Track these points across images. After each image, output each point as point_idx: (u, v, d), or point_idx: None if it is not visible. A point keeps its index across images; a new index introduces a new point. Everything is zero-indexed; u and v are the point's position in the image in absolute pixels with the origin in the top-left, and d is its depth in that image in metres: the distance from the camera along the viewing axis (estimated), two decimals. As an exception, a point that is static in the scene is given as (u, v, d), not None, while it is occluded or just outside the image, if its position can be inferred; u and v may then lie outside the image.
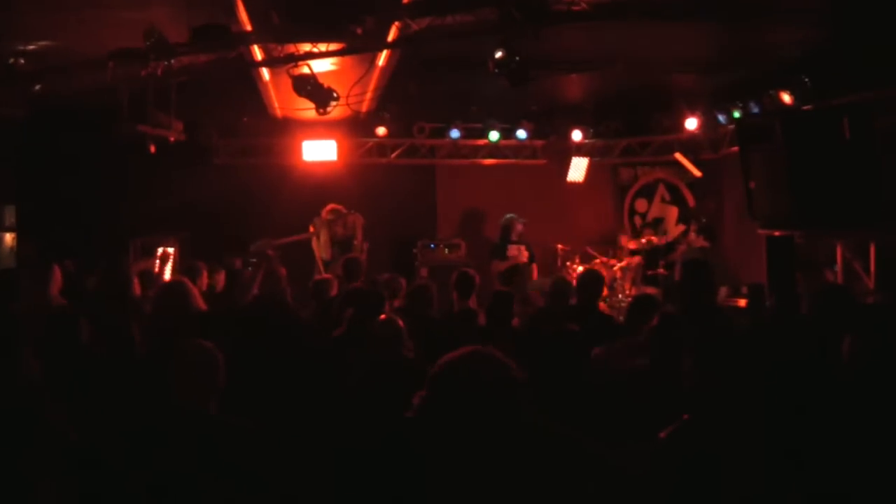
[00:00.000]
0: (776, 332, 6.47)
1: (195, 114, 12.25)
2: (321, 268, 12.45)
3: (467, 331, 7.28)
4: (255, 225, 13.26)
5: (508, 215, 13.66)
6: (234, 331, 6.47)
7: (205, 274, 10.01)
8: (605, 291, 13.59)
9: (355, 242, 12.80)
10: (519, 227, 13.58)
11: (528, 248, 13.55)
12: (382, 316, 6.26)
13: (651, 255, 14.11)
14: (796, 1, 8.37)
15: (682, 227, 14.95)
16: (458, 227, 15.43)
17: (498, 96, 12.15)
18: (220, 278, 10.66)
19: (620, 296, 13.56)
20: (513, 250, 13.40)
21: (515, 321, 7.70)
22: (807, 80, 10.57)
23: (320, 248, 12.86)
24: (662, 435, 3.79)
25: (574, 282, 8.63)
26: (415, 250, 14.49)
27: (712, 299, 7.52)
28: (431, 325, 7.54)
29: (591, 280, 8.08)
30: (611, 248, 14.95)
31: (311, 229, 12.84)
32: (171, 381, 4.33)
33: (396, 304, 8.23)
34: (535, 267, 13.56)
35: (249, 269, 11.68)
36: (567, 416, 3.35)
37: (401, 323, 6.03)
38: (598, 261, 14.18)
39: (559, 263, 14.46)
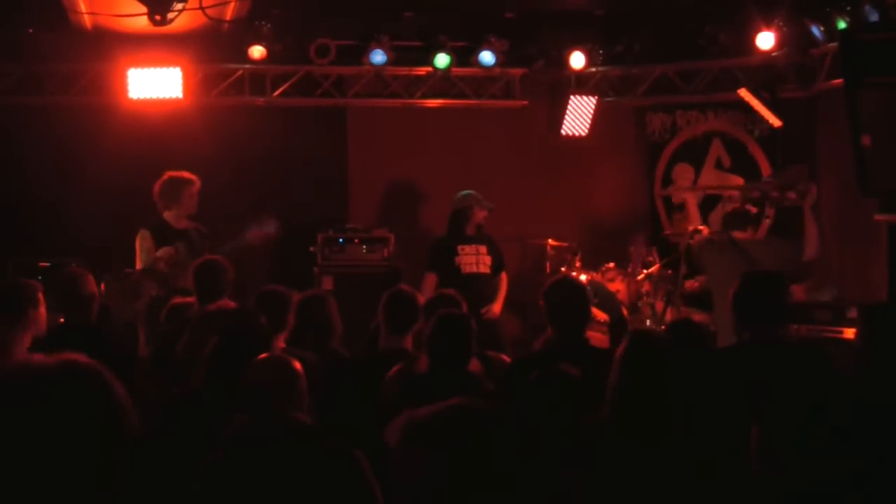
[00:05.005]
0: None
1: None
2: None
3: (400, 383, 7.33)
4: (48, 208, 13.20)
5: (463, 193, 13.55)
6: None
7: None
8: (625, 313, 13.63)
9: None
10: (480, 214, 13.51)
11: (491, 251, 13.49)
12: (264, 354, 6.23)
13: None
14: None
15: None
16: (383, 209, 15.48)
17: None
18: None
19: (649, 321, 13.59)
20: (466, 254, 13.33)
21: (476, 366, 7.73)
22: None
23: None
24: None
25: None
26: (313, 248, 14.41)
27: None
28: (338, 367, 7.56)
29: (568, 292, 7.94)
30: (634, 244, 14.93)
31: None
32: None
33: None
34: (503, 282, 13.53)
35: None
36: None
37: (297, 365, 6.02)
38: (610, 266, 14.20)
39: (548, 269, 14.45)
